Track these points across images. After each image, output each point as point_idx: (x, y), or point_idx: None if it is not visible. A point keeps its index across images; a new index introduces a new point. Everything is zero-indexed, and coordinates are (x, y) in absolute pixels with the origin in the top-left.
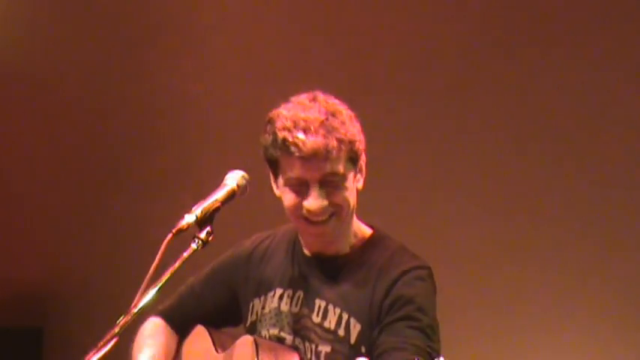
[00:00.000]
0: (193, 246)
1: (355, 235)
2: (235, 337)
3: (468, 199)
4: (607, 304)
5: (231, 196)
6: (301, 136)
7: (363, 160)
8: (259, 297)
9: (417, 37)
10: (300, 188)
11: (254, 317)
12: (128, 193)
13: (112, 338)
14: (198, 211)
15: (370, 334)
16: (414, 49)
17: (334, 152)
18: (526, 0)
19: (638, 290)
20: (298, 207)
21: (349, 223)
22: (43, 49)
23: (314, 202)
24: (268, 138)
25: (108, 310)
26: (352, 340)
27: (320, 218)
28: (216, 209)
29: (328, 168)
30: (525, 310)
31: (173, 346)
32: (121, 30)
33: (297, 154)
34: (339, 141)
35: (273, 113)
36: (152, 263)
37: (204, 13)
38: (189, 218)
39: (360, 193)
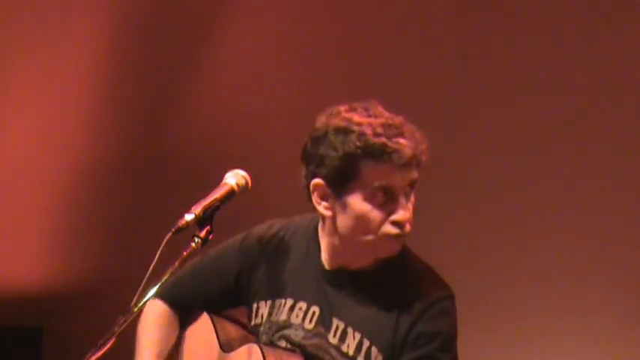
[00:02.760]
0: (193, 245)
1: None
2: (237, 323)
3: (473, 199)
4: (610, 305)
5: (231, 194)
6: (403, 141)
7: None
8: (266, 300)
9: (421, 38)
10: (385, 199)
11: (258, 320)
12: (127, 193)
13: (111, 337)
14: (197, 210)
15: None
16: (419, 50)
17: (422, 158)
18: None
19: None
20: (383, 221)
21: None
22: None
23: (406, 213)
24: (352, 147)
25: (108, 310)
26: None
27: (407, 230)
28: (216, 208)
29: (414, 175)
30: (527, 310)
31: (174, 335)
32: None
33: (400, 161)
34: (422, 145)
35: (342, 121)
36: (152, 262)
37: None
38: (188, 217)
39: None
